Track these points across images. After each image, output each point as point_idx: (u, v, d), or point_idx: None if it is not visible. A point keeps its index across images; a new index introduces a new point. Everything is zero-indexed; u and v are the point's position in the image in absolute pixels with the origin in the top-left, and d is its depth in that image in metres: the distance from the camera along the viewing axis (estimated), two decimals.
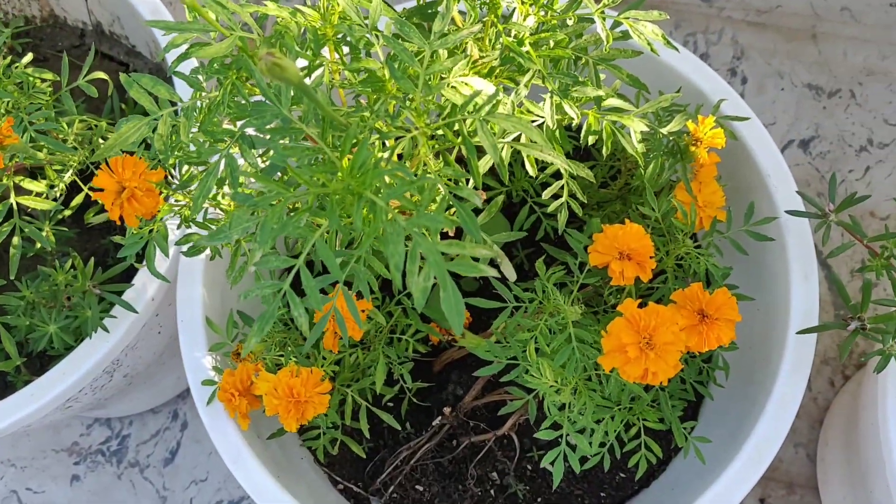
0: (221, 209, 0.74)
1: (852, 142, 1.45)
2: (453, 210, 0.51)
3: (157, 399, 1.35)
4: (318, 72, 0.64)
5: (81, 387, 0.95)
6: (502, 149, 0.72)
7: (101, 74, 0.85)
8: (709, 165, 0.83)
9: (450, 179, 0.62)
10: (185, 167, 0.70)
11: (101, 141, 0.86)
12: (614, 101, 0.76)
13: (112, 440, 1.39)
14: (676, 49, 0.71)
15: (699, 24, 1.55)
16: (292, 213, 0.48)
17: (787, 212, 0.82)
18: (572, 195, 0.79)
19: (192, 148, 0.63)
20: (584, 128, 0.76)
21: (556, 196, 0.80)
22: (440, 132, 0.55)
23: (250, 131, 0.58)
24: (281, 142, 0.57)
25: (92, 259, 0.91)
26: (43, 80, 0.84)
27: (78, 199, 0.91)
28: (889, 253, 0.79)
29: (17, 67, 0.82)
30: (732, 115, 0.89)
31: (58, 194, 0.87)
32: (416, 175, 0.53)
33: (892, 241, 0.78)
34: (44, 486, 1.35)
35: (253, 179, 0.55)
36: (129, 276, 0.95)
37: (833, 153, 1.44)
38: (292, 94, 0.51)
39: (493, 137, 0.49)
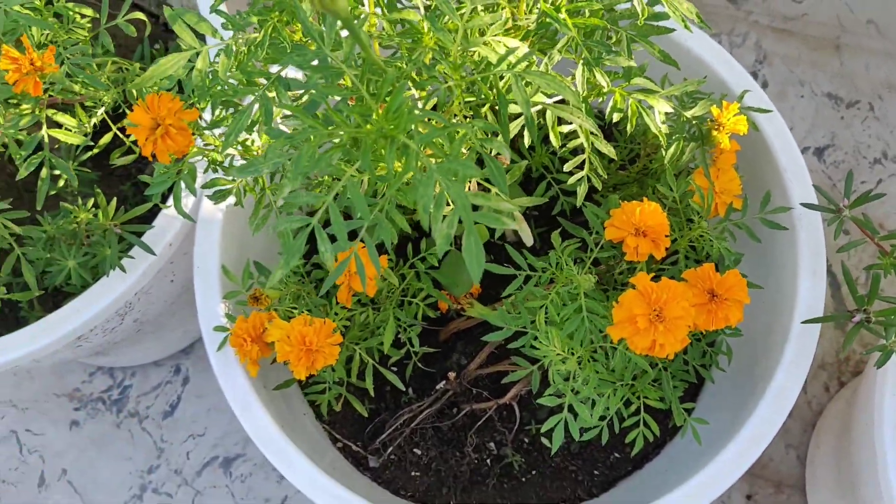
0: (247, 157, 0.76)
1: (867, 154, 1.46)
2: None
3: (160, 352, 1.37)
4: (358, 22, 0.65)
5: (94, 325, 0.96)
6: (535, 112, 0.73)
7: (139, 15, 0.86)
8: (728, 153, 0.84)
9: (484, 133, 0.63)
10: (218, 110, 0.72)
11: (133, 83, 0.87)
12: (640, 82, 0.77)
13: (113, 389, 1.40)
14: (709, 28, 0.73)
15: (725, 26, 1.56)
16: (326, 152, 0.50)
17: (802, 204, 0.83)
18: (594, 170, 0.80)
19: (229, 87, 0.64)
20: (611, 104, 0.77)
21: (574, 171, 0.81)
22: (475, 86, 0.56)
23: (291, 72, 0.59)
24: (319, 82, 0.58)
25: (115, 199, 0.92)
26: (83, 16, 0.85)
27: (106, 139, 0.92)
28: None
29: (58, 1, 0.84)
30: (755, 106, 0.90)
31: (87, 131, 0.89)
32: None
33: None
34: (43, 429, 1.37)
35: (284, 120, 0.56)
36: (149, 220, 0.97)
37: (847, 163, 1.46)
38: (339, 27, 0.52)
39: (526, 94, 0.51)
